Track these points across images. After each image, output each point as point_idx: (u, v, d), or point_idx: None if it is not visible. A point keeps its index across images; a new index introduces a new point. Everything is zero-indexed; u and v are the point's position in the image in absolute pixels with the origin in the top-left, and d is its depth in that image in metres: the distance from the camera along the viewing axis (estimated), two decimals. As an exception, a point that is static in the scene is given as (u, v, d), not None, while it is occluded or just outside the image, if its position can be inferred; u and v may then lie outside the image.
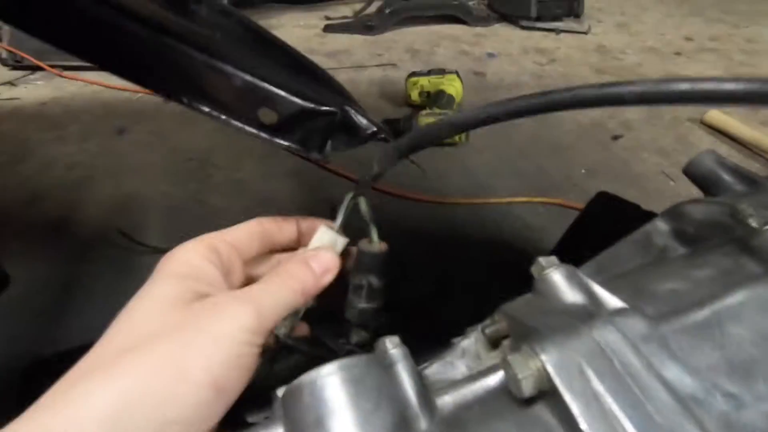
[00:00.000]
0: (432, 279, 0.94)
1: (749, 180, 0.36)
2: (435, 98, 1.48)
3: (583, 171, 1.29)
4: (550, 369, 0.21)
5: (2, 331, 0.82)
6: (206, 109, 0.35)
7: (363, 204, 0.35)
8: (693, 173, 0.39)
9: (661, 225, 0.37)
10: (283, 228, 0.35)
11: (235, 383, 0.26)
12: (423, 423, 0.24)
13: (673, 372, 0.21)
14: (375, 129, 0.43)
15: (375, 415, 0.23)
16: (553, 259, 0.28)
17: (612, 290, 0.26)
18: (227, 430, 0.27)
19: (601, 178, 1.25)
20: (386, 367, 0.26)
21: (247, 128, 0.38)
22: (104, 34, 0.32)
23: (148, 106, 1.61)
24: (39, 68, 1.82)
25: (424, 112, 1.38)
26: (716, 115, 1.45)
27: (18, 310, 0.85)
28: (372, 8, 2.30)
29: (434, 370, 0.30)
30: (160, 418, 0.23)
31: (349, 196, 0.36)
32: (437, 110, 1.39)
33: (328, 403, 0.23)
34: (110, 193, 1.22)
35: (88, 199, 1.20)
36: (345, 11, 2.44)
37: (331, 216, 0.37)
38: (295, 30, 2.30)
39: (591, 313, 0.24)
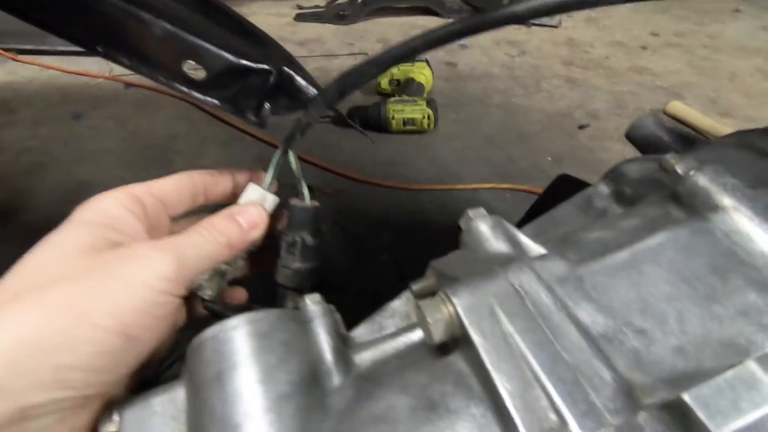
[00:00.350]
0: (396, 264, 0.93)
1: (688, 140, 0.36)
2: (405, 86, 1.47)
3: (549, 159, 1.30)
4: (460, 311, 0.20)
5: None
6: (126, 61, 0.33)
7: (292, 159, 0.34)
8: (634, 136, 0.38)
9: (602, 188, 0.37)
10: (218, 181, 0.33)
11: (149, 333, 0.24)
12: (336, 379, 0.23)
13: (586, 311, 0.20)
14: (317, 92, 0.41)
15: (279, 369, 0.21)
16: (481, 210, 0.27)
17: (540, 242, 0.25)
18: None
19: (567, 165, 1.27)
20: (302, 322, 0.25)
21: (174, 84, 0.36)
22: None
23: (107, 91, 1.55)
24: (-9, 52, 1.72)
25: (392, 99, 1.37)
26: (678, 105, 1.48)
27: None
28: (345, -2, 2.27)
29: (361, 331, 0.28)
30: (55, 364, 0.21)
31: (278, 152, 0.34)
32: (406, 98, 1.38)
33: (230, 357, 0.21)
34: (62, 179, 1.16)
35: (39, 186, 1.14)
36: (317, 1, 2.40)
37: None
38: (266, 18, 2.25)
39: (512, 258, 0.23)
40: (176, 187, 0.31)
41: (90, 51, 0.32)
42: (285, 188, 0.37)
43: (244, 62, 0.36)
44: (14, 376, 0.20)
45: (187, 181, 0.32)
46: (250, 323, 0.22)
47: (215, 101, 0.37)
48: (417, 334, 0.25)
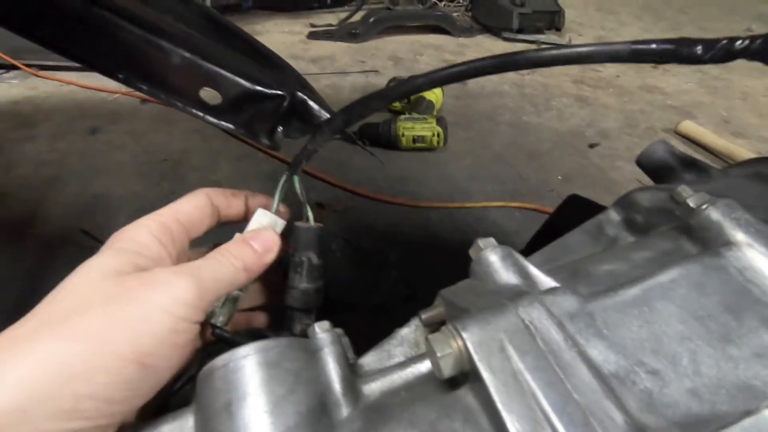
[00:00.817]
0: (404, 282, 0.92)
1: (700, 169, 0.36)
2: (415, 104, 1.48)
3: (559, 177, 1.30)
4: (470, 346, 0.20)
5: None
6: (144, 87, 0.34)
7: (296, 184, 0.34)
8: (645, 163, 0.38)
9: (612, 215, 0.37)
10: (231, 204, 0.34)
11: (166, 361, 0.24)
12: (344, 410, 0.23)
13: (597, 349, 0.20)
14: (329, 116, 0.42)
15: (288, 401, 0.21)
16: (491, 240, 0.27)
17: (550, 273, 0.25)
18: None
19: (577, 184, 1.26)
20: (312, 351, 0.25)
21: (190, 109, 0.37)
22: (34, 4, 0.31)
23: (124, 107, 1.58)
24: (14, 67, 1.78)
25: (403, 116, 1.38)
26: (690, 125, 1.48)
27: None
28: (357, 17, 2.31)
29: (370, 359, 0.28)
30: (75, 392, 0.21)
31: (283, 178, 0.34)
32: (416, 115, 1.39)
33: (240, 387, 0.22)
34: (78, 192, 1.18)
35: (55, 198, 1.16)
36: (330, 19, 2.45)
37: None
38: (280, 36, 2.30)
39: (522, 291, 0.23)
40: (197, 209, 0.32)
41: (111, 77, 0.33)
42: (293, 210, 0.37)
43: (259, 88, 0.37)
44: (36, 403, 0.20)
45: (205, 202, 0.32)
46: (260, 352, 0.23)
47: (230, 125, 0.38)
48: (426, 365, 0.25)
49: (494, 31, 2.35)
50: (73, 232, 1.02)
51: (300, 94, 0.40)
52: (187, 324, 0.25)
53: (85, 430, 0.21)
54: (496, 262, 0.25)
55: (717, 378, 0.18)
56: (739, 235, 0.22)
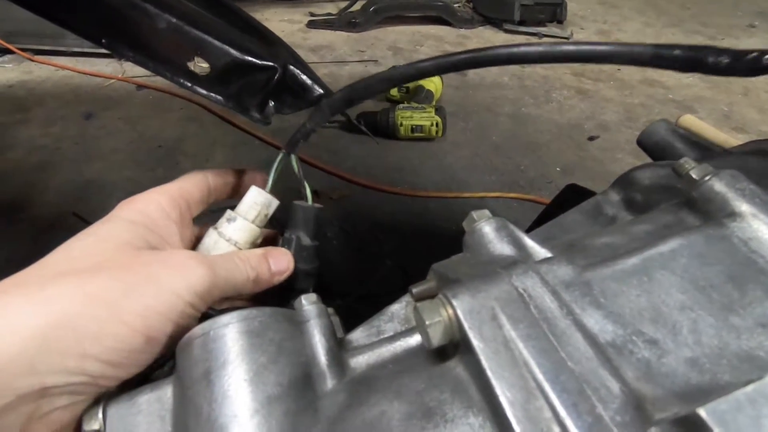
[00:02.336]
0: (400, 270, 0.91)
1: (701, 147, 0.35)
2: (414, 93, 1.47)
3: (558, 169, 1.29)
4: (460, 314, 0.19)
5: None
6: (129, 54, 0.33)
7: (294, 162, 0.33)
8: (646, 142, 0.37)
9: (612, 194, 0.36)
10: (226, 181, 0.35)
11: (167, 339, 0.24)
12: (329, 382, 0.22)
13: (594, 318, 0.19)
14: (322, 92, 0.41)
15: (269, 370, 0.20)
16: (485, 212, 0.26)
17: (546, 245, 0.24)
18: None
19: (577, 176, 1.25)
20: (297, 323, 0.24)
21: (179, 79, 0.35)
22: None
23: (119, 92, 1.56)
24: (9, 51, 1.75)
25: (401, 105, 1.36)
26: (690, 119, 1.46)
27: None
28: (357, 6, 2.29)
29: (358, 334, 0.27)
30: (82, 352, 0.21)
31: (280, 156, 0.33)
32: (415, 105, 1.37)
33: (220, 355, 0.21)
34: (71, 177, 1.17)
35: (48, 182, 1.15)
36: (330, 8, 2.42)
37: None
38: (279, 24, 2.28)
39: (516, 261, 0.22)
40: (198, 189, 0.32)
41: (94, 43, 0.32)
42: (289, 192, 0.36)
43: (249, 58, 0.36)
44: (45, 355, 0.20)
45: (205, 182, 0.33)
46: (242, 321, 0.22)
47: (219, 97, 0.37)
48: (415, 339, 0.24)
49: (495, 22, 2.33)
50: (66, 216, 1.01)
51: (292, 67, 0.39)
52: (192, 311, 0.25)
53: (86, 386, 0.22)
54: (490, 233, 0.24)
55: (718, 348, 0.17)
56: (743, 206, 0.22)
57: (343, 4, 2.36)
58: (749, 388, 0.13)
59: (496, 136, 1.43)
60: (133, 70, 1.66)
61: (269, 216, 0.34)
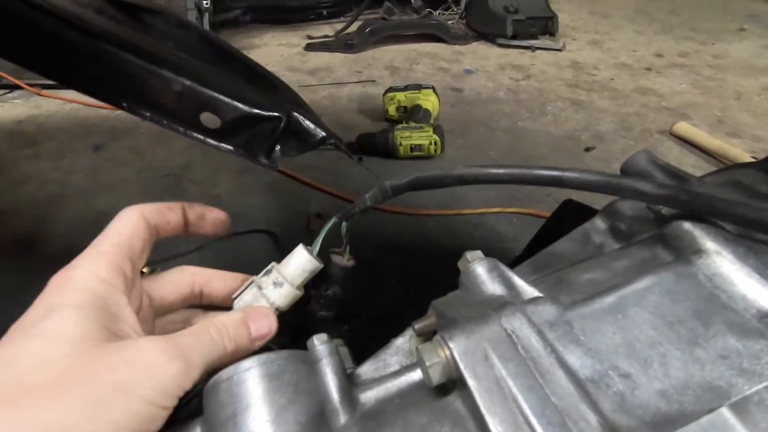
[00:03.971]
0: (402, 290, 0.94)
1: (679, 177, 0.37)
2: (411, 112, 1.50)
3: (556, 182, 1.31)
4: (456, 355, 0.21)
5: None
6: (147, 114, 0.36)
7: (344, 230, 0.35)
8: (628, 172, 0.40)
9: (599, 223, 0.38)
10: (169, 219, 0.30)
11: None
12: (342, 418, 0.24)
13: (575, 355, 0.21)
14: (323, 135, 0.44)
15: (288, 410, 0.23)
16: (478, 252, 0.29)
17: (535, 283, 0.27)
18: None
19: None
20: (311, 363, 0.26)
21: (191, 133, 0.38)
22: (41, 41, 0.33)
23: (125, 123, 1.61)
24: (17, 87, 1.81)
25: (400, 126, 1.40)
26: (684, 126, 1.49)
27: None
28: (353, 28, 2.35)
29: (367, 368, 0.30)
30: None
31: (330, 222, 0.34)
32: (413, 124, 1.41)
33: (243, 398, 0.23)
34: (82, 210, 1.20)
35: (59, 216, 1.18)
36: (326, 30, 2.49)
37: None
38: (277, 48, 2.34)
39: (506, 302, 0.24)
40: (138, 237, 0.28)
41: (114, 106, 0.35)
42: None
43: (256, 111, 0.39)
44: None
45: (142, 225, 0.28)
46: (262, 365, 0.24)
47: (229, 147, 0.40)
48: (419, 373, 0.26)
49: (489, 37, 2.38)
50: (77, 249, 1.03)
51: (296, 114, 0.42)
52: (166, 412, 0.22)
53: None
54: (482, 274, 0.27)
55: (684, 379, 0.20)
56: (708, 243, 0.24)
57: (340, 26, 2.42)
58: (704, 419, 0.16)
59: (494, 151, 1.46)
60: (137, 100, 1.71)
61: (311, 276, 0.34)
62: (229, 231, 0.34)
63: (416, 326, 0.29)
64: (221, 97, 0.37)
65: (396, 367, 0.30)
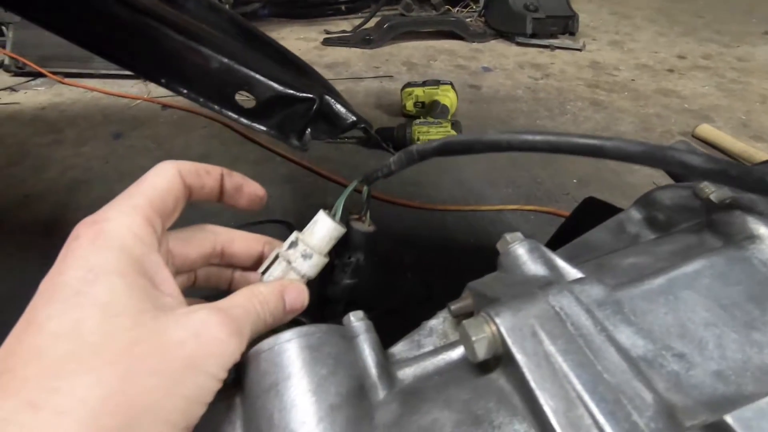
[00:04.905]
0: (419, 284, 0.93)
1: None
2: (429, 108, 1.50)
3: (575, 181, 1.30)
4: (503, 331, 0.21)
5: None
6: (184, 91, 0.36)
7: (366, 193, 0.35)
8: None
9: (634, 213, 0.38)
10: (205, 183, 0.28)
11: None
12: (381, 393, 0.24)
13: (625, 334, 0.21)
14: (354, 119, 0.44)
15: (329, 381, 0.23)
16: (518, 234, 0.28)
17: (576, 266, 0.26)
18: None
19: (593, 188, 1.26)
20: (349, 338, 0.26)
21: (226, 111, 0.39)
22: (87, 13, 0.33)
23: (145, 112, 1.63)
24: (40, 74, 1.84)
25: (417, 121, 1.39)
26: (707, 128, 1.47)
27: (6, 308, 0.85)
28: (371, 23, 2.34)
29: (400, 348, 0.30)
30: None
31: (351, 186, 0.34)
32: (431, 120, 1.40)
33: (284, 369, 0.23)
34: (103, 195, 1.21)
35: (81, 201, 1.20)
36: (344, 26, 2.49)
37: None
38: (295, 43, 2.34)
39: (550, 281, 0.24)
40: (171, 194, 0.26)
41: (154, 82, 0.35)
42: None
43: (291, 91, 0.39)
44: None
45: (179, 184, 0.27)
46: (302, 336, 0.24)
47: (262, 127, 0.40)
48: (456, 353, 0.26)
49: (508, 35, 2.36)
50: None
51: (327, 97, 0.42)
52: (221, 385, 0.22)
53: None
54: (523, 254, 0.27)
55: (742, 361, 0.19)
56: (761, 229, 0.23)
57: (358, 22, 2.42)
58: (765, 400, 0.15)
59: (512, 148, 1.44)
60: (157, 90, 1.73)
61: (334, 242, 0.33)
62: (262, 206, 0.32)
63: (452, 307, 0.29)
64: (257, 76, 0.37)
65: (430, 348, 0.30)
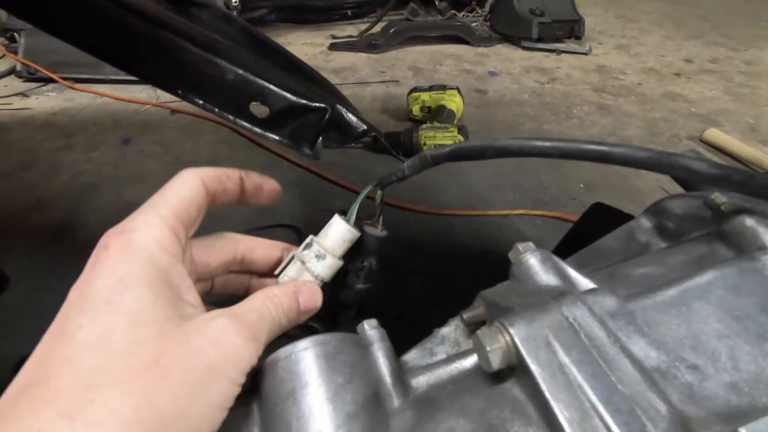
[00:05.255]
0: (427, 289, 0.94)
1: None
2: (436, 113, 1.50)
3: (581, 186, 1.29)
4: (517, 341, 0.21)
5: (2, 331, 0.83)
6: (200, 101, 0.37)
7: (379, 198, 0.35)
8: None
9: (644, 221, 0.38)
10: (227, 187, 0.29)
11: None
12: (395, 401, 0.24)
13: (639, 345, 0.21)
14: (365, 128, 0.44)
15: (346, 389, 0.23)
16: (530, 244, 0.29)
17: (587, 276, 0.27)
18: None
19: (600, 193, 1.26)
20: (363, 346, 0.27)
21: (240, 121, 0.39)
22: (106, 27, 0.34)
23: (154, 117, 1.65)
24: (51, 80, 1.87)
25: (424, 126, 1.40)
26: (715, 133, 1.46)
27: (17, 311, 0.86)
28: (377, 28, 2.36)
29: (413, 355, 0.30)
30: None
31: (366, 190, 0.34)
32: (437, 124, 1.41)
33: (302, 377, 0.23)
34: (112, 200, 1.23)
35: (91, 205, 1.22)
36: (351, 31, 2.51)
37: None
38: (302, 48, 2.36)
39: (563, 292, 0.24)
40: (194, 203, 0.26)
41: (170, 93, 0.36)
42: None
43: (304, 101, 0.40)
44: None
45: (201, 192, 0.27)
46: (318, 345, 0.24)
47: (275, 137, 0.41)
48: (470, 361, 0.26)
49: (513, 40, 2.37)
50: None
51: (339, 106, 0.43)
52: (240, 390, 0.23)
53: None
54: (536, 264, 0.27)
55: (755, 373, 0.19)
56: (773, 240, 0.24)
57: (364, 27, 2.44)
58: (785, 410, 0.15)
59: (518, 153, 1.44)
60: (165, 95, 1.75)
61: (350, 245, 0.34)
62: (280, 200, 0.33)
63: (465, 315, 0.29)
64: (271, 87, 0.38)
65: (442, 356, 0.30)
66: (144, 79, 0.37)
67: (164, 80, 0.37)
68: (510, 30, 2.39)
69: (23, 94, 1.80)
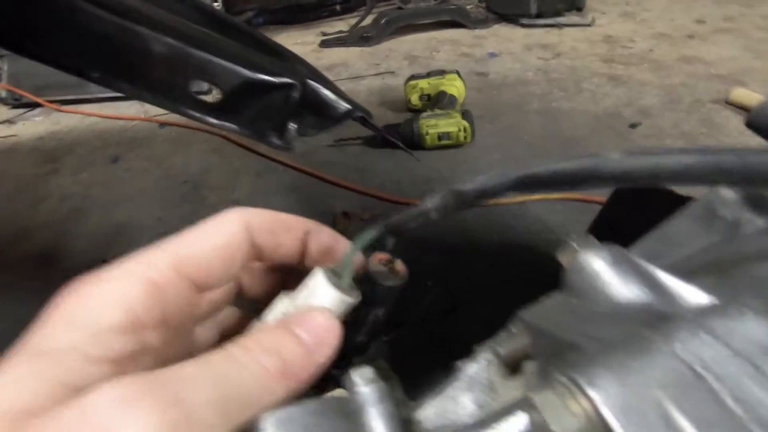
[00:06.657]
0: (444, 291, 0.84)
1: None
2: (436, 100, 1.41)
3: (601, 163, 1.19)
4: (606, 414, 0.12)
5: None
6: (125, 86, 0.28)
7: (389, 243, 0.24)
8: (759, 124, 0.30)
9: (726, 192, 0.28)
10: (282, 244, 0.22)
11: None
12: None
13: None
14: (348, 107, 0.35)
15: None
16: (589, 238, 0.20)
17: (688, 281, 0.17)
18: None
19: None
20: (352, 412, 0.18)
21: (186, 110, 0.31)
22: None
23: (143, 132, 1.58)
24: (38, 105, 1.81)
25: (425, 114, 1.31)
26: (743, 92, 1.34)
27: (3, 344, 0.80)
28: (368, 20, 2.27)
29: (430, 411, 0.21)
30: None
31: (368, 234, 0.23)
32: (439, 111, 1.31)
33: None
34: (101, 223, 1.16)
35: (79, 230, 1.15)
36: (341, 26, 2.42)
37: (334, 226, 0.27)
38: (292, 47, 2.27)
39: (662, 314, 0.15)
40: (221, 251, 0.20)
41: (85, 79, 0.27)
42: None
43: (262, 76, 0.31)
44: None
45: (238, 238, 0.21)
46: (277, 427, 0.16)
47: (233, 125, 0.32)
48: (517, 425, 0.17)
49: (511, 18, 2.26)
50: (96, 263, 0.99)
51: (311, 82, 0.34)
52: None
53: None
54: (603, 269, 0.18)
55: None
56: None
57: (354, 21, 2.35)
58: None
59: (528, 135, 1.34)
60: (154, 109, 1.68)
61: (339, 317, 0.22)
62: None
63: (500, 350, 0.20)
64: (216, 59, 0.29)
65: (471, 409, 0.21)
66: (53, 64, 0.29)
67: (76, 62, 0.28)
68: (507, 8, 2.28)
69: (9, 121, 1.75)
